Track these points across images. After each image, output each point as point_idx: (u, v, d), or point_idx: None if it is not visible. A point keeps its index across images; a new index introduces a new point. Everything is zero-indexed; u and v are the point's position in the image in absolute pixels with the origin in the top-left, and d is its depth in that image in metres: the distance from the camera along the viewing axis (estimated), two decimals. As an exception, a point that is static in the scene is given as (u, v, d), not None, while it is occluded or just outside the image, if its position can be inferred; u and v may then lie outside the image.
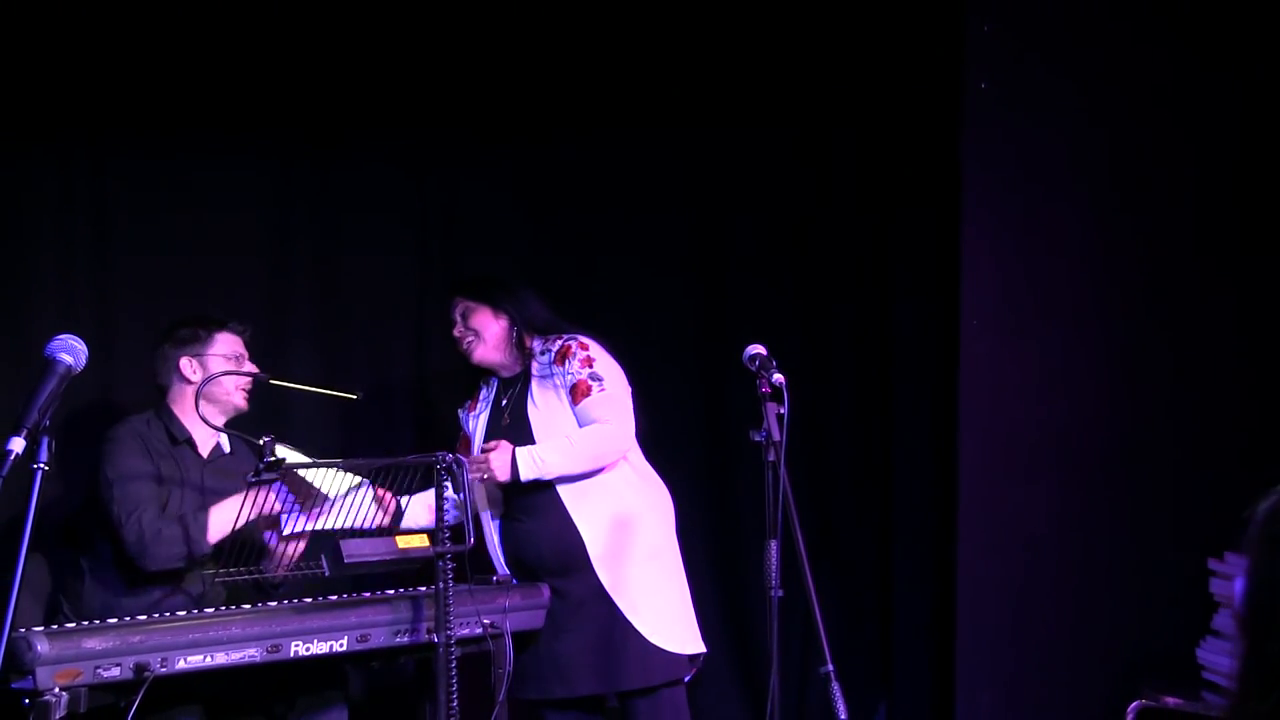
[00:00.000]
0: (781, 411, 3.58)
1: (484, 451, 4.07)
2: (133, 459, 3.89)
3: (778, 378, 3.70)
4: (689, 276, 5.13)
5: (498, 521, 4.22)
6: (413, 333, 4.94)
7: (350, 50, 4.72)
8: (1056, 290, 4.65)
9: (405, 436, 4.85)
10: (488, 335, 4.21)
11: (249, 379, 4.03)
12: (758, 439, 3.71)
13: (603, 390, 4.12)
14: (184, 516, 3.81)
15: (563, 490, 4.12)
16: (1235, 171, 4.60)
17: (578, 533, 4.10)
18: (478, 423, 4.28)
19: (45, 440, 2.59)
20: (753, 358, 3.81)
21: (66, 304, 4.45)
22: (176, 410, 4.02)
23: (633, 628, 4.08)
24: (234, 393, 4.01)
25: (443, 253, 4.96)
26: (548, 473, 4.07)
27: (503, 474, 4.03)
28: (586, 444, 4.09)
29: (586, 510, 4.12)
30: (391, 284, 4.92)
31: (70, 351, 2.71)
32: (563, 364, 4.16)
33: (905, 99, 4.95)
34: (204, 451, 4.05)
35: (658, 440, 4.95)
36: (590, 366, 4.14)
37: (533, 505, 4.14)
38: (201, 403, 3.93)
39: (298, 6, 4.64)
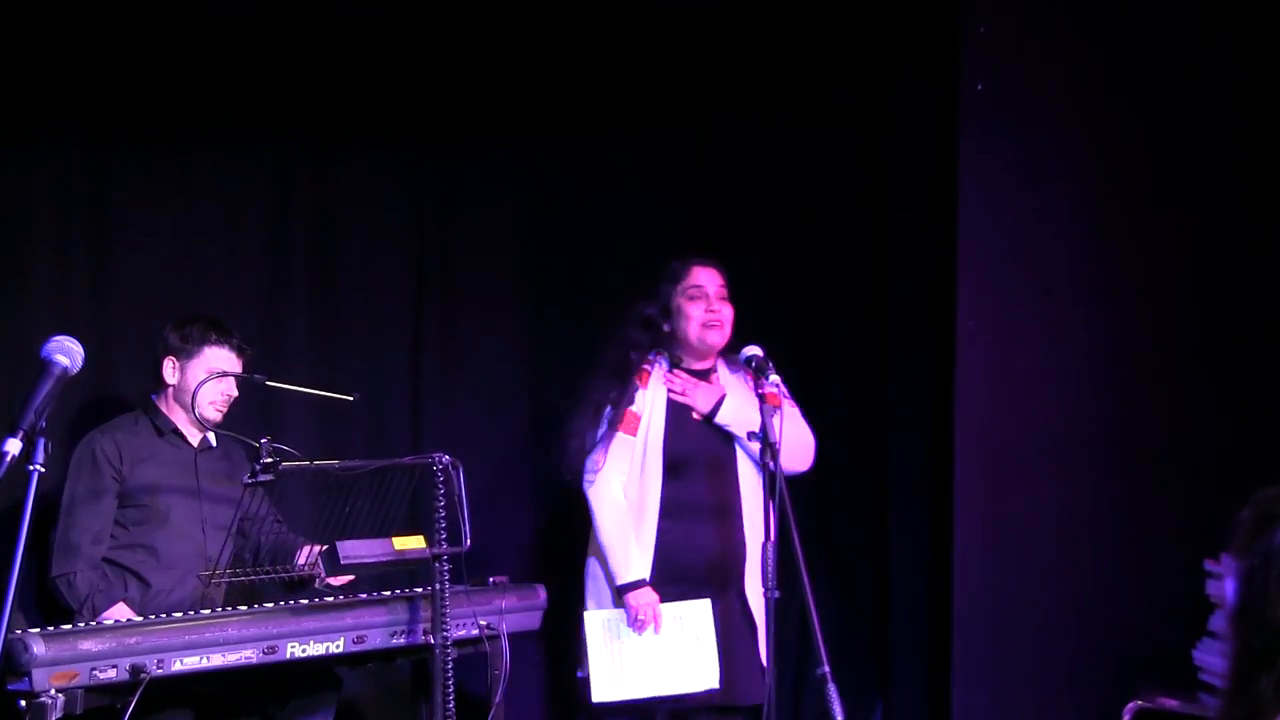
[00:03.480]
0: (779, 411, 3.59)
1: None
2: (87, 482, 3.95)
3: (774, 378, 3.70)
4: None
5: (657, 520, 4.13)
6: (409, 333, 4.93)
7: (348, 48, 4.71)
8: (1053, 290, 4.65)
9: (402, 437, 4.84)
10: (729, 323, 4.23)
11: (227, 398, 4.06)
12: (754, 439, 3.71)
13: (794, 407, 4.16)
14: (92, 596, 3.85)
15: (745, 494, 4.13)
16: (1233, 170, 4.59)
17: (744, 546, 4.10)
18: (654, 397, 4.19)
19: (41, 442, 2.59)
20: (749, 359, 3.81)
21: (63, 304, 4.44)
22: (161, 406, 4.11)
23: (762, 649, 4.09)
24: (205, 407, 4.02)
25: (440, 251, 4.95)
26: (739, 425, 4.08)
27: (704, 405, 4.12)
28: (788, 434, 3.98)
29: (756, 523, 4.01)
30: (388, 285, 4.91)
31: (66, 352, 2.70)
32: (751, 371, 4.09)
33: (902, 99, 4.95)
34: (194, 442, 4.12)
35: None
36: (782, 385, 4.08)
37: (703, 503, 4.09)
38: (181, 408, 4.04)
39: (296, 4, 4.63)
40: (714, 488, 4.12)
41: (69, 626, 3.47)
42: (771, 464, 3.65)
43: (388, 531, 3.81)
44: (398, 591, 3.98)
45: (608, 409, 4.18)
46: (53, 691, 3.24)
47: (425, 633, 3.79)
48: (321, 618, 3.71)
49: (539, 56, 4.89)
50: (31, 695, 3.23)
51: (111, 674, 3.33)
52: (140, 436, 4.06)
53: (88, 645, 3.31)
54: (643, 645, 4.07)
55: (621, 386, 4.18)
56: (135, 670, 3.35)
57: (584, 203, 5.06)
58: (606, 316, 5.01)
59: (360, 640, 3.75)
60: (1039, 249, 4.65)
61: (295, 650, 3.63)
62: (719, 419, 4.14)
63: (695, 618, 4.08)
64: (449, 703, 3.70)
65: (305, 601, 3.78)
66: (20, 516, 2.56)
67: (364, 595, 3.92)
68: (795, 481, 3.75)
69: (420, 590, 3.88)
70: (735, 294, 5.07)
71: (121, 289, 4.53)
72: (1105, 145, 4.63)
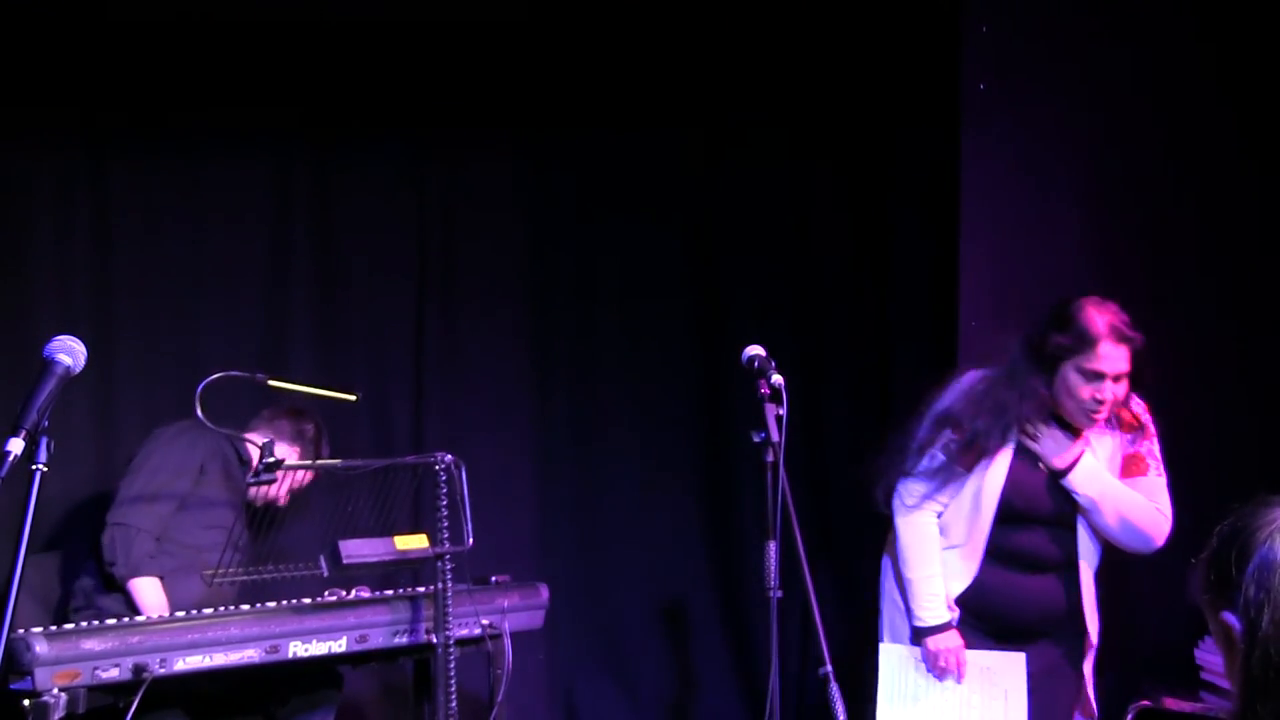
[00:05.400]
0: (780, 412, 3.57)
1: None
2: (192, 475, 4.02)
3: (777, 379, 3.69)
4: (689, 277, 5.13)
5: (980, 560, 3.74)
6: (412, 331, 4.94)
7: (350, 45, 4.72)
8: (1055, 291, 4.63)
9: (404, 436, 4.85)
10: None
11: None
12: (757, 440, 3.70)
13: (1161, 476, 3.73)
14: (143, 560, 3.89)
15: (1084, 555, 3.75)
16: (1235, 167, 4.60)
17: (1081, 601, 3.76)
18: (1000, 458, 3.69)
19: (44, 441, 2.58)
20: (752, 359, 3.80)
21: (65, 303, 4.45)
22: (253, 441, 4.08)
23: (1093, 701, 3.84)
24: (283, 494, 4.16)
25: (443, 250, 4.96)
26: (1087, 492, 3.67)
27: (1058, 461, 3.66)
28: (1138, 510, 3.68)
29: (1089, 584, 3.76)
30: (391, 284, 4.92)
31: (69, 352, 2.70)
32: (1122, 427, 3.75)
33: (903, 100, 4.96)
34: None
35: (658, 441, 4.95)
36: (1153, 440, 3.74)
37: (1031, 557, 3.71)
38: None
39: (298, 4, 4.64)
40: (1047, 544, 3.74)
41: (71, 626, 3.47)
42: (772, 460, 3.64)
43: (390, 531, 3.81)
44: (400, 591, 3.99)
45: (951, 438, 3.72)
46: (55, 691, 3.24)
47: (428, 632, 3.78)
48: (324, 617, 3.71)
49: (541, 54, 4.89)
50: (34, 694, 3.23)
51: (114, 673, 3.33)
52: (231, 458, 4.14)
53: (90, 644, 3.31)
54: (943, 692, 3.68)
55: (988, 435, 3.66)
56: (138, 669, 3.35)
57: (586, 200, 5.07)
58: (608, 315, 5.03)
59: (363, 639, 3.75)
60: (1041, 248, 4.64)
61: (298, 649, 3.63)
62: (1070, 480, 3.67)
63: (1007, 671, 3.63)
64: (451, 702, 3.70)
65: (308, 601, 3.78)
66: (23, 517, 2.56)
67: (366, 594, 3.93)
68: (798, 482, 3.73)
69: (423, 589, 3.88)
70: (735, 295, 5.09)
71: (124, 287, 4.54)
72: (1106, 144, 4.63)
